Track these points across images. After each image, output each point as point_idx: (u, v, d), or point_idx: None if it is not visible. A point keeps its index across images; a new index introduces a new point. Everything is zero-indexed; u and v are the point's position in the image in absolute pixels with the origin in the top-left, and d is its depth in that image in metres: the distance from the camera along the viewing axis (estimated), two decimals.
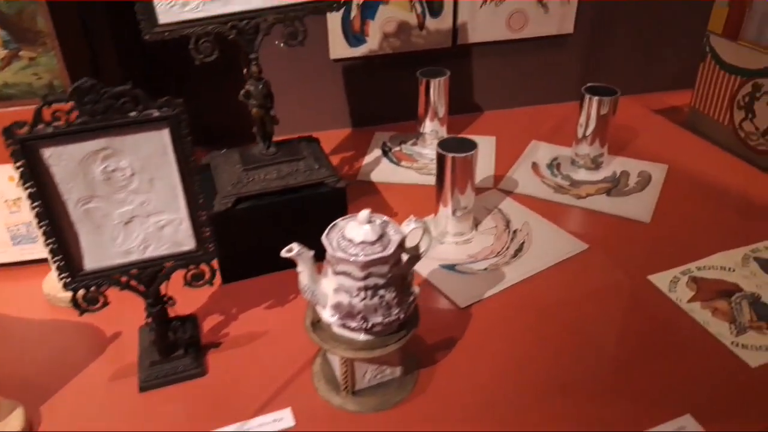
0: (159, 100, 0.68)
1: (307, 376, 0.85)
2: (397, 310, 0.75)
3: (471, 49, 1.47)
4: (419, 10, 1.38)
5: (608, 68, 1.56)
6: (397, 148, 1.41)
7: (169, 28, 0.88)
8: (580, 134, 1.26)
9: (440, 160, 1.04)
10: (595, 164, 1.28)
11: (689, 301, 0.96)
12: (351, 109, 1.48)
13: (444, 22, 1.41)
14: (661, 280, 1.00)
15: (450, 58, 1.45)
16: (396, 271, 0.74)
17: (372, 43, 1.40)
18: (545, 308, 0.96)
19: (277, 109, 1.39)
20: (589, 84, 1.25)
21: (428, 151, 1.38)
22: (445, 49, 1.44)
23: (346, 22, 1.36)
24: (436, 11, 1.39)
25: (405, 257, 0.77)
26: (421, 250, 0.79)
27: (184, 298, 0.86)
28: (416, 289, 0.78)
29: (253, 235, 0.97)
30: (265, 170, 0.98)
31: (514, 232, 1.12)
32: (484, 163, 1.32)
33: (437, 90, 1.31)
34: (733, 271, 1.01)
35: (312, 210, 0.99)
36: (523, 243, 1.09)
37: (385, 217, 0.76)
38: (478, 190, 1.21)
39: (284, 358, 0.88)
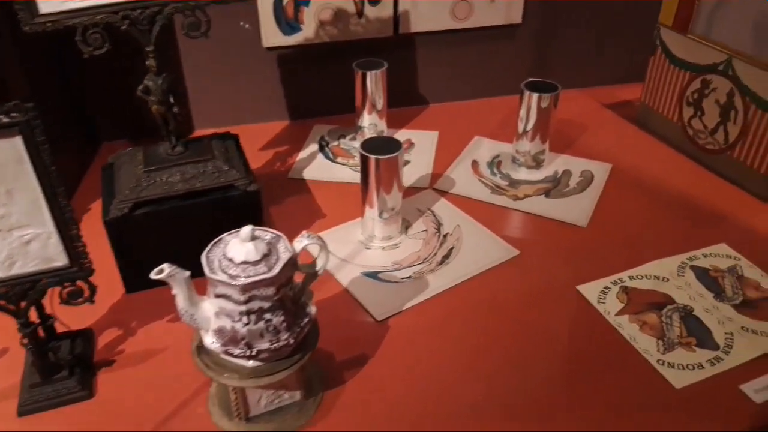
0: (6, 105, 0.59)
1: (203, 399, 0.78)
2: (286, 335, 0.67)
3: (414, 39, 1.38)
4: None
5: (558, 60, 1.48)
6: (335, 143, 1.33)
7: (51, 18, 0.79)
8: (520, 129, 1.19)
9: (363, 162, 0.97)
10: (536, 162, 1.21)
11: (618, 313, 0.90)
12: (288, 101, 1.40)
13: (384, 9, 1.32)
14: (590, 290, 0.93)
15: (391, 48, 1.37)
16: (286, 293, 0.67)
17: (308, 31, 1.31)
18: (468, 320, 0.90)
19: (210, 100, 1.32)
20: (530, 79, 1.18)
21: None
22: (386, 39, 1.36)
23: (278, 9, 1.27)
24: None
25: (299, 276, 0.70)
26: (318, 267, 0.71)
27: (83, 309, 0.78)
28: (312, 309, 0.71)
29: (155, 242, 0.89)
30: (169, 172, 0.90)
31: (444, 236, 1.05)
32: (422, 161, 1.26)
33: (374, 82, 1.24)
34: (667, 281, 0.95)
35: (222, 215, 0.92)
36: (452, 248, 1.02)
37: (275, 233, 0.69)
38: (413, 190, 1.15)
39: (181, 378, 0.80)
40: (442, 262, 1.00)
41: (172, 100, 0.89)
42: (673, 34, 1.26)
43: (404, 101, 1.44)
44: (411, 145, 1.32)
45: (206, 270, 0.64)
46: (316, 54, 1.34)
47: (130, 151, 0.96)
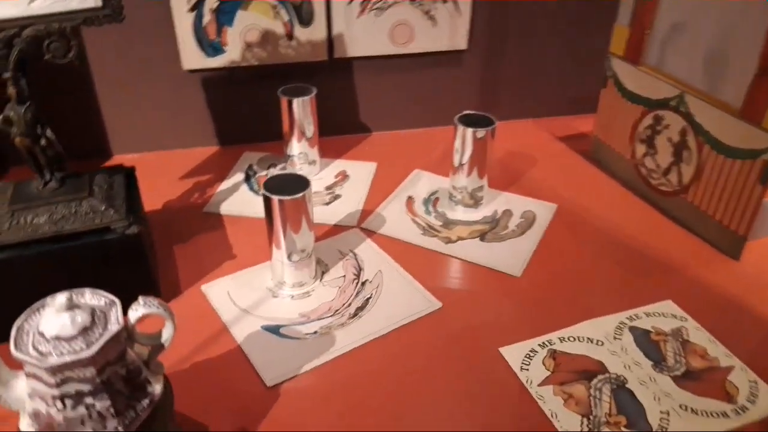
0: None
1: None
2: (114, 423, 0.55)
3: (350, 64, 1.27)
4: (286, 18, 1.18)
5: (508, 88, 1.38)
6: (263, 173, 1.21)
7: None
8: (456, 163, 1.08)
9: (266, 202, 0.85)
10: (474, 200, 1.09)
11: (542, 383, 0.77)
12: (216, 126, 1.29)
13: (316, 32, 1.21)
14: (514, 353, 0.81)
15: (326, 72, 1.26)
16: (114, 372, 0.54)
17: (233, 53, 1.19)
18: (373, 385, 0.78)
19: (128, 124, 1.20)
20: (465, 112, 1.07)
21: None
22: (321, 63, 1.24)
23: (198, 29, 1.16)
24: (305, 20, 1.19)
25: (137, 350, 0.57)
26: (163, 339, 0.59)
27: None
28: (157, 388, 0.58)
29: (19, 290, 0.76)
30: (36, 212, 0.78)
31: (363, 283, 0.93)
32: (354, 196, 1.15)
33: (302, 110, 1.12)
34: (601, 344, 0.83)
35: (99, 262, 0.80)
36: (369, 298, 0.90)
37: (110, 299, 0.56)
38: (338, 229, 1.04)
39: None
40: (355, 315, 0.88)
41: (40, 131, 0.77)
42: (624, 65, 1.16)
43: (342, 129, 1.34)
44: (345, 177, 1.21)
45: (11, 344, 0.52)
46: (244, 77, 1.23)
47: (1, 186, 0.83)
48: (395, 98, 1.33)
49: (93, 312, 0.55)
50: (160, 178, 1.18)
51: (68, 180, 0.83)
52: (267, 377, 0.78)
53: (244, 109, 1.26)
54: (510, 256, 0.99)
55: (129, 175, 0.93)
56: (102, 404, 0.54)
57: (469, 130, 1.03)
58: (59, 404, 0.53)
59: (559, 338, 0.84)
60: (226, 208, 1.11)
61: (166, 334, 0.60)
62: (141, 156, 1.26)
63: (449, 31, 1.27)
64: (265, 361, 0.80)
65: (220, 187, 1.17)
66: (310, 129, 1.16)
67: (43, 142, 0.78)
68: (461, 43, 1.29)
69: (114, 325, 0.54)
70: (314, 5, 1.18)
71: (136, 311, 0.57)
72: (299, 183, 0.87)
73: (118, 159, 1.25)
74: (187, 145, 1.27)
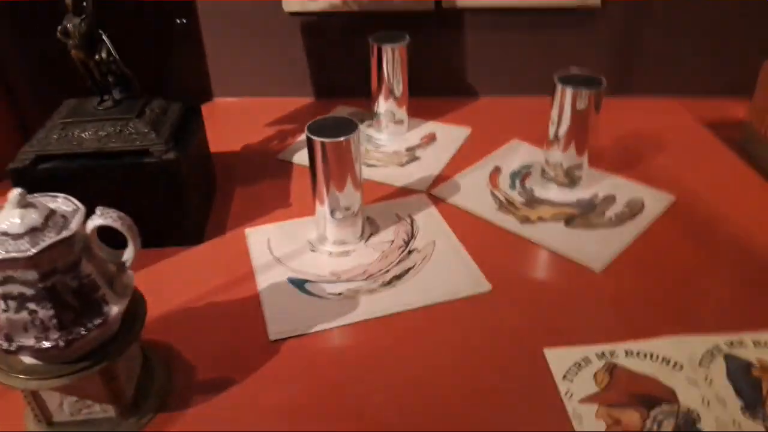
0: None
1: None
2: (56, 335, 0.52)
3: (460, 16, 1.16)
4: None
5: (648, 58, 1.17)
6: None
7: None
8: (551, 135, 0.93)
9: (309, 146, 0.79)
10: (570, 179, 0.94)
11: (584, 400, 0.62)
12: (313, 77, 1.25)
13: None
14: (560, 358, 0.67)
15: (431, 24, 1.16)
16: (61, 281, 0.51)
17: None
18: (383, 362, 0.68)
19: (230, 67, 1.21)
20: (572, 71, 0.90)
21: (381, 136, 1.13)
22: (426, 13, 1.14)
23: None
24: None
25: (105, 267, 0.54)
26: (124, 258, 0.55)
27: None
28: (113, 309, 0.55)
29: None
30: (83, 127, 0.79)
31: (410, 252, 0.83)
32: (434, 160, 1.05)
33: (391, 61, 1.04)
34: (681, 369, 0.65)
35: (135, 183, 0.79)
36: (410, 269, 0.81)
37: (76, 205, 0.53)
38: (406, 192, 0.95)
39: None
40: (389, 283, 0.79)
41: (107, 55, 0.77)
42: None
43: (442, 90, 1.23)
44: (431, 140, 1.11)
45: None
46: (343, 24, 1.17)
47: (70, 101, 0.86)
48: (507, 60, 1.19)
49: (50, 215, 0.52)
50: (249, 122, 1.18)
51: (126, 101, 0.83)
52: (272, 330, 0.72)
53: (340, 60, 1.21)
54: (595, 248, 0.83)
55: (193, 109, 0.92)
56: (45, 313, 0.51)
57: (568, 94, 0.87)
58: (2, 304, 0.50)
59: (626, 351, 0.67)
60: (299, 157, 1.07)
61: (127, 253, 0.55)
62: (240, 100, 1.27)
63: None
64: (277, 314, 0.74)
65: (300, 137, 1.13)
66: (399, 83, 1.08)
67: (97, 57, 0.78)
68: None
69: (67, 231, 0.51)
70: None
71: (92, 221, 0.53)
72: (349, 128, 0.79)
73: (219, 102, 1.27)
74: (284, 93, 1.25)
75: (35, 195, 0.55)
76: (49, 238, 0.51)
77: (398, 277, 0.80)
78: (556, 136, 0.92)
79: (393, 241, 0.86)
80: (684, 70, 1.18)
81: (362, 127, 1.15)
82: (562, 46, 1.16)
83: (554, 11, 1.13)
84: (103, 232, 0.55)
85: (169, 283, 0.79)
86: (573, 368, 0.66)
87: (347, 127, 0.79)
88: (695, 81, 1.19)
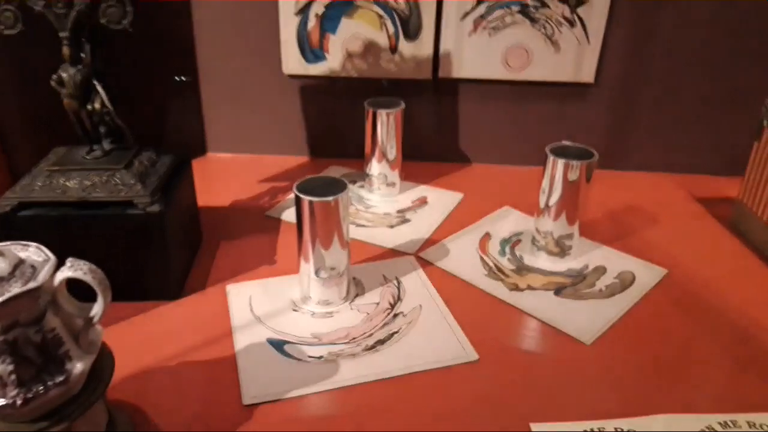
0: None
1: None
2: (15, 392, 0.49)
3: (456, 86, 1.18)
4: (391, 30, 1.12)
5: (641, 133, 1.18)
6: None
7: None
8: (541, 204, 0.92)
9: (297, 204, 0.78)
10: (560, 249, 0.92)
11: None
12: (309, 137, 1.26)
13: (422, 48, 1.13)
14: None
15: (428, 92, 1.18)
16: (23, 335, 0.49)
17: (333, 62, 1.16)
18: None
19: (228, 122, 1.22)
20: (563, 142, 0.91)
21: (373, 197, 1.13)
22: (423, 81, 1.16)
23: (302, 34, 1.14)
24: (411, 33, 1.13)
25: (71, 322, 0.52)
26: (92, 313, 0.53)
27: None
28: (78, 367, 0.52)
29: None
30: (69, 175, 0.78)
31: (395, 315, 0.81)
32: (424, 223, 1.04)
33: (385, 125, 1.06)
34: None
35: (119, 236, 0.78)
36: (395, 333, 0.78)
37: (47, 255, 0.51)
38: (393, 254, 0.94)
39: None
40: (371, 347, 0.76)
41: (100, 106, 0.77)
42: None
43: (436, 155, 1.24)
44: (422, 203, 1.11)
45: None
46: (341, 89, 1.19)
47: (60, 149, 0.86)
48: (500, 129, 1.20)
49: (18, 264, 0.49)
50: (241, 178, 1.18)
51: (116, 151, 0.83)
52: (246, 393, 0.69)
53: (338, 122, 1.22)
54: (584, 319, 0.81)
55: (183, 162, 0.91)
56: (3, 367, 0.49)
57: (560, 164, 0.87)
58: None
59: (616, 428, 0.64)
60: (288, 214, 1.06)
61: (96, 307, 0.53)
62: (234, 156, 1.27)
63: (574, 60, 1.12)
64: (253, 376, 0.71)
65: (290, 195, 1.12)
66: (393, 147, 1.09)
67: (90, 107, 0.78)
68: (587, 75, 1.13)
69: (33, 283, 0.48)
70: (423, 18, 1.11)
71: (61, 273, 0.51)
72: (338, 188, 0.78)
73: (212, 156, 1.27)
74: (279, 151, 1.26)
75: (5, 243, 0.53)
76: (14, 289, 0.48)
77: (382, 342, 0.77)
78: (547, 204, 0.92)
79: (378, 304, 0.84)
80: (677, 146, 1.19)
81: (354, 187, 1.15)
82: (555, 118, 1.18)
83: (548, 84, 1.15)
84: (74, 282, 0.53)
85: (142, 339, 0.76)
86: None
87: (336, 186, 0.79)
88: (687, 157, 1.20)
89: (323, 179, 0.82)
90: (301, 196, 0.77)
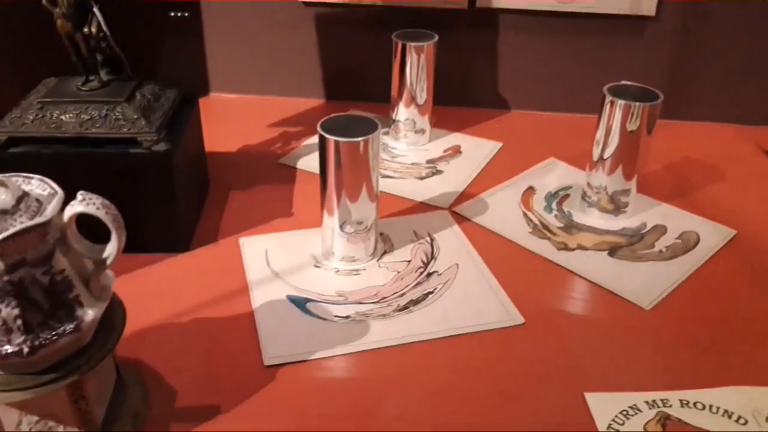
0: None
1: None
2: (20, 338, 0.50)
3: (496, 18, 1.16)
4: None
5: (707, 78, 1.16)
6: None
7: None
8: (595, 155, 0.92)
9: (321, 146, 0.78)
10: (615, 206, 0.92)
11: None
12: (325, 76, 1.25)
13: None
14: (604, 404, 0.65)
15: (463, 25, 1.16)
16: (29, 276, 0.49)
17: None
18: (394, 398, 0.66)
19: (234, 58, 1.21)
20: (622, 82, 0.90)
21: (399, 145, 1.13)
22: (458, 12, 1.15)
23: None
24: None
25: (80, 263, 0.52)
26: (106, 254, 0.53)
27: None
28: (89, 314, 0.52)
29: None
30: (65, 108, 0.78)
31: (429, 274, 0.81)
32: (458, 174, 1.04)
33: (416, 62, 1.05)
34: (744, 423, 0.62)
35: (120, 176, 0.79)
36: (429, 293, 0.79)
37: (53, 188, 0.52)
38: (425, 207, 0.95)
39: None
40: (404, 308, 0.77)
41: (97, 30, 0.77)
42: None
43: (471, 99, 1.23)
44: (455, 153, 1.11)
45: None
46: (363, 19, 1.17)
47: (50, 80, 0.85)
48: (546, 69, 1.19)
49: (22, 197, 0.50)
50: (249, 121, 1.18)
51: (115, 82, 0.83)
52: (268, 353, 0.70)
53: (359, 59, 1.21)
54: (643, 282, 0.82)
55: (190, 97, 0.91)
56: (8, 311, 0.49)
57: (620, 107, 0.87)
58: None
59: (681, 400, 0.65)
60: (304, 162, 1.06)
61: (110, 248, 0.53)
62: (240, 97, 1.27)
63: None
64: (273, 335, 0.72)
65: (306, 141, 1.13)
66: (423, 89, 1.08)
67: (86, 30, 0.77)
68: (648, 7, 1.11)
69: (42, 218, 0.49)
70: None
71: (72, 207, 0.51)
72: (368, 128, 0.78)
73: (216, 97, 1.27)
74: (291, 92, 1.26)
75: (6, 174, 0.53)
76: (20, 224, 0.49)
77: (415, 302, 0.78)
78: (601, 156, 0.91)
79: (410, 262, 0.85)
80: (747, 94, 1.17)
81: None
82: (609, 58, 1.16)
83: (603, 17, 1.13)
84: (80, 224, 0.53)
85: (151, 294, 0.77)
86: (619, 417, 0.63)
87: (366, 127, 0.78)
88: (759, 107, 1.18)
89: (351, 118, 0.82)
90: (327, 135, 0.76)
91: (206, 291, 0.78)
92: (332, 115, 0.80)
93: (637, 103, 0.86)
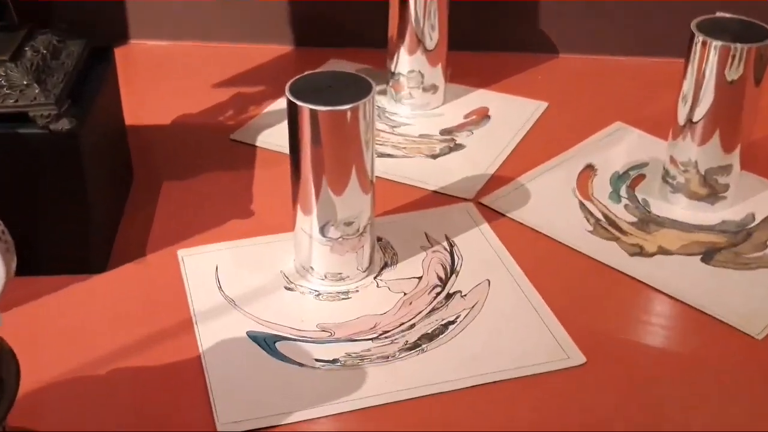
0: None
1: None
2: None
3: None
4: None
5: None
6: None
7: None
8: (681, 118, 0.94)
9: (291, 118, 0.78)
10: (711, 190, 0.95)
11: None
12: (293, 12, 1.26)
13: None
14: None
15: None
16: None
17: None
18: None
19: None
20: (718, 14, 0.91)
21: (401, 109, 1.16)
22: None
23: None
24: None
25: None
26: None
27: None
28: None
29: None
30: None
31: (449, 295, 0.83)
32: (486, 150, 1.07)
33: None
34: None
35: (5, 167, 0.79)
36: (449, 324, 0.81)
37: None
38: (442, 200, 0.97)
39: None
40: (414, 346, 0.78)
41: None
42: None
43: (500, 42, 1.25)
44: (482, 118, 1.13)
45: None
46: None
47: None
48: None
49: None
50: (186, 80, 1.20)
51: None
52: (221, 417, 0.71)
53: None
54: (752, 300, 0.83)
55: (102, 50, 0.91)
56: None
57: (714, 48, 0.88)
58: None
59: None
60: (267, 139, 1.08)
61: None
62: (171, 45, 1.29)
63: None
64: (230, 390, 0.73)
65: (269, 108, 1.15)
66: (434, 28, 1.10)
67: None
68: None
69: None
70: None
71: None
72: (358, 90, 0.78)
73: (137, 46, 1.29)
74: (245, 38, 1.28)
75: None
76: None
77: (430, 337, 0.79)
78: (689, 119, 0.93)
79: (421, 279, 0.86)
80: None
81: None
82: None
83: None
84: None
85: (55, 334, 0.77)
86: None
87: (354, 86, 0.78)
88: None
89: (331, 76, 0.83)
90: (299, 102, 0.76)
91: (132, 328, 0.78)
92: (307, 72, 0.80)
93: (738, 45, 0.86)
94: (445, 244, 0.91)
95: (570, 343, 0.78)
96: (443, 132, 1.09)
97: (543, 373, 0.75)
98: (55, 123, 0.78)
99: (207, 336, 0.79)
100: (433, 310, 0.82)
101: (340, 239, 0.83)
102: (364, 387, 0.73)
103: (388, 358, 0.77)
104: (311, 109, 0.76)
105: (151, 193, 0.97)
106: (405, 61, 1.11)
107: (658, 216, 0.95)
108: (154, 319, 0.80)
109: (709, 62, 0.89)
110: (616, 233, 0.92)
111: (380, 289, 0.85)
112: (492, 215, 0.95)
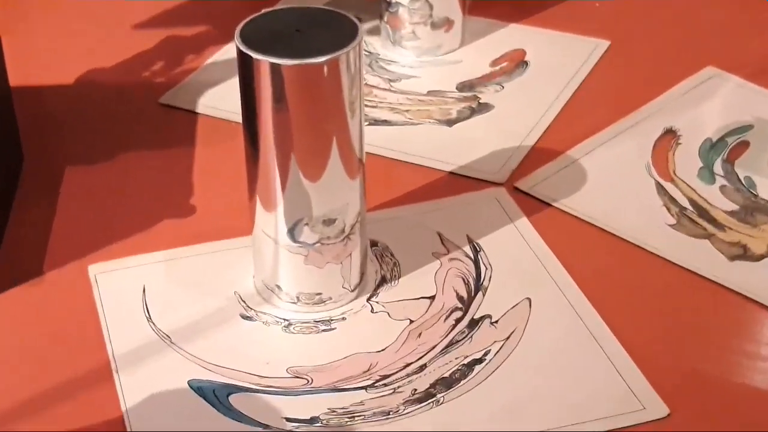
0: None
1: None
2: None
3: None
4: None
5: None
6: None
7: None
8: None
9: (243, 74, 0.79)
10: None
11: None
12: None
13: None
14: None
15: None
16: None
17: None
18: None
19: None
20: None
21: (401, 56, 1.18)
22: None
23: None
24: None
25: None
26: None
27: None
28: None
29: None
30: None
31: (471, 323, 0.84)
32: (521, 112, 1.08)
33: None
34: None
35: None
36: (475, 362, 0.81)
37: None
38: (461, 184, 0.98)
39: None
40: (427, 396, 0.78)
41: None
42: None
43: None
44: (516, 66, 1.14)
45: None
46: None
47: None
48: None
49: None
50: (92, 24, 1.22)
51: None
52: None
53: None
54: None
55: None
56: None
57: None
58: None
59: None
60: (210, 103, 1.10)
61: None
62: None
63: None
64: None
65: (212, 58, 1.17)
66: None
67: None
68: None
69: None
70: None
71: None
72: (338, 34, 0.78)
73: None
74: None
75: None
76: None
77: (448, 383, 0.79)
78: None
79: (433, 299, 0.87)
80: None
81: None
82: None
83: None
84: None
85: None
86: None
87: (333, 29, 0.79)
88: None
89: (298, 14, 0.83)
90: (255, 55, 0.76)
91: (22, 381, 0.79)
92: (265, 10, 0.82)
93: None
94: (467, 248, 0.92)
95: (646, 386, 0.78)
96: (462, 86, 1.10)
97: (612, 430, 0.75)
98: None
99: (132, 388, 0.79)
100: (451, 343, 0.83)
101: (318, 245, 0.83)
102: None
103: (388, 414, 0.77)
104: (272, 63, 0.76)
105: (48, 183, 0.98)
106: None
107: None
108: (55, 365, 0.80)
109: None
110: (710, 227, 0.93)
111: (376, 315, 0.86)
112: (532, 205, 0.96)
